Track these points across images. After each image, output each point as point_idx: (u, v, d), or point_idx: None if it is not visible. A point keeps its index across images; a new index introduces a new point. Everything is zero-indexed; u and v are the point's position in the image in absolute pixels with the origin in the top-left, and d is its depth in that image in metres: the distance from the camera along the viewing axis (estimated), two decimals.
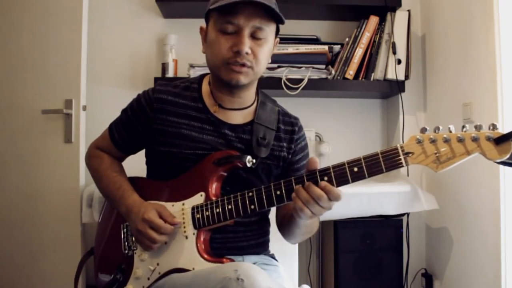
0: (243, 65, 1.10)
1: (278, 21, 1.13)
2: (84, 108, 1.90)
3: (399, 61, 2.05)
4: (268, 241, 1.33)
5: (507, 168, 1.55)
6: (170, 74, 2.13)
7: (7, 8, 1.97)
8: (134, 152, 1.30)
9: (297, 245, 1.57)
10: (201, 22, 1.20)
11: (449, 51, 1.99)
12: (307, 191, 0.97)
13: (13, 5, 1.96)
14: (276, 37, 1.19)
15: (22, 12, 1.96)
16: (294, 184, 1.01)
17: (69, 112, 1.88)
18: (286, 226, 1.20)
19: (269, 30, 1.12)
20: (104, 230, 1.27)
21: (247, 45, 1.08)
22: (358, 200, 1.80)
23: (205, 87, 1.23)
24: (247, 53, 1.08)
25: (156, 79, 2.10)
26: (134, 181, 1.23)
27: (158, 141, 1.18)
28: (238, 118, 1.21)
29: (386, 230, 1.98)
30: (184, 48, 2.20)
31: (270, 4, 1.07)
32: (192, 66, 2.02)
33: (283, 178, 1.04)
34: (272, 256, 1.33)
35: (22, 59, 1.95)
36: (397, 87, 2.07)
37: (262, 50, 1.11)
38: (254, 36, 1.10)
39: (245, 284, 0.87)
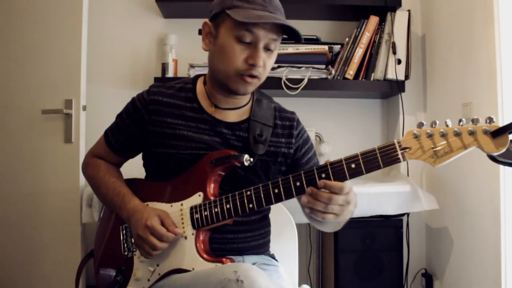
0: (255, 77, 1.10)
1: (294, 37, 1.12)
2: (84, 108, 1.90)
3: (399, 61, 2.05)
4: (268, 241, 1.32)
5: (507, 168, 1.54)
6: (170, 74, 2.13)
7: (7, 8, 1.97)
8: (132, 156, 1.29)
9: (297, 245, 1.57)
10: (201, 22, 1.18)
11: (449, 51, 1.98)
12: (316, 197, 0.97)
13: (13, 6, 1.97)
14: None
15: (22, 12, 1.96)
16: (292, 181, 1.01)
17: (69, 112, 1.88)
18: (317, 222, 1.20)
19: (278, 42, 1.13)
20: (104, 231, 1.27)
21: (262, 59, 1.08)
22: (358, 200, 1.78)
23: (200, 87, 1.23)
24: (260, 66, 1.09)
25: (156, 79, 2.10)
26: (132, 183, 1.23)
27: (154, 143, 1.18)
28: (234, 116, 1.21)
29: (386, 230, 1.97)
30: (184, 48, 2.21)
31: (284, 20, 1.07)
32: (192, 66, 2.02)
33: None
34: (272, 256, 1.33)
35: (22, 59, 1.96)
36: (397, 87, 2.07)
37: (271, 61, 1.13)
38: (266, 48, 1.10)
39: (245, 285, 0.87)
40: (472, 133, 0.87)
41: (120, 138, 1.24)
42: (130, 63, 2.25)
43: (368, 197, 1.82)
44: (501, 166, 1.55)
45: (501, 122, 1.57)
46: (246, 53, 1.08)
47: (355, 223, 1.92)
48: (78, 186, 1.85)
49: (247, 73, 1.09)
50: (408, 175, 2.13)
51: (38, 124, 1.92)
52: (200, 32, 1.19)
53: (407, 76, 2.08)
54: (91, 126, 1.91)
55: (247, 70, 1.09)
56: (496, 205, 1.61)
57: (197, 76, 1.27)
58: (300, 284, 1.49)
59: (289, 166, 1.25)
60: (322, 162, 1.03)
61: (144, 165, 1.28)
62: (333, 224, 1.15)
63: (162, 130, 1.17)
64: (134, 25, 2.26)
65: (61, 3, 1.91)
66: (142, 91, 1.23)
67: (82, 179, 1.85)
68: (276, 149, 1.22)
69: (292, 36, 1.11)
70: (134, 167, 1.32)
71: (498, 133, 0.85)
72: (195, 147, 1.16)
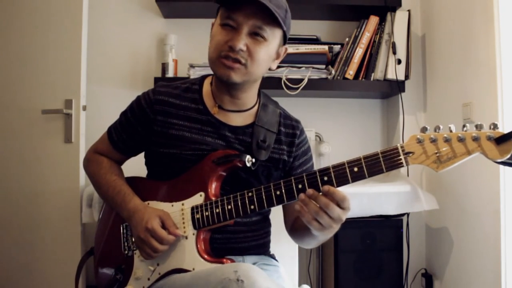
0: (236, 61, 1.08)
1: (276, 22, 1.09)
2: (84, 108, 1.90)
3: (399, 61, 2.05)
4: (269, 242, 1.32)
5: (507, 168, 1.55)
6: (170, 74, 2.13)
7: (7, 8, 1.97)
8: (134, 154, 1.29)
9: (297, 245, 1.57)
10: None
11: (449, 51, 1.98)
12: (315, 200, 0.96)
13: (13, 5, 1.96)
14: (283, 44, 1.18)
15: (22, 12, 1.96)
16: (293, 184, 1.01)
17: (69, 112, 1.88)
18: (299, 235, 1.20)
19: (270, 32, 1.10)
20: (104, 230, 1.27)
21: (241, 42, 1.06)
22: (358, 200, 1.80)
23: (206, 88, 1.23)
24: (241, 50, 1.07)
25: (156, 79, 2.10)
26: (134, 181, 1.23)
27: (158, 143, 1.18)
28: (239, 120, 1.20)
29: (386, 230, 1.98)
30: (184, 48, 2.20)
31: (270, 6, 1.04)
32: (192, 66, 2.02)
33: None
34: (272, 256, 1.33)
35: (22, 59, 1.95)
36: (397, 87, 2.07)
37: (259, 49, 1.09)
38: (253, 35, 1.08)
39: (245, 285, 0.87)
40: (476, 139, 0.87)
41: (123, 136, 1.24)
42: (130, 63, 2.25)
43: (368, 197, 1.81)
44: (501, 166, 1.55)
45: (501, 122, 1.58)
46: (228, 36, 1.08)
47: (355, 223, 1.93)
48: (78, 186, 1.85)
49: (225, 55, 1.08)
50: (408, 175, 2.13)
51: (38, 124, 1.91)
52: None
53: (407, 76, 2.08)
54: (91, 126, 1.91)
55: (226, 52, 1.08)
56: (496, 205, 1.61)
57: (204, 76, 1.26)
58: (300, 284, 1.49)
59: (285, 173, 1.25)
60: (322, 162, 1.03)
61: (146, 164, 1.28)
62: (312, 241, 1.14)
63: (166, 130, 1.17)
64: (134, 25, 2.26)
65: (61, 4, 1.91)
66: (147, 90, 1.22)
67: (82, 179, 1.86)
68: (278, 156, 1.22)
69: (275, 21, 1.07)
70: (135, 165, 1.32)
71: (502, 140, 0.85)
72: (198, 149, 1.16)
